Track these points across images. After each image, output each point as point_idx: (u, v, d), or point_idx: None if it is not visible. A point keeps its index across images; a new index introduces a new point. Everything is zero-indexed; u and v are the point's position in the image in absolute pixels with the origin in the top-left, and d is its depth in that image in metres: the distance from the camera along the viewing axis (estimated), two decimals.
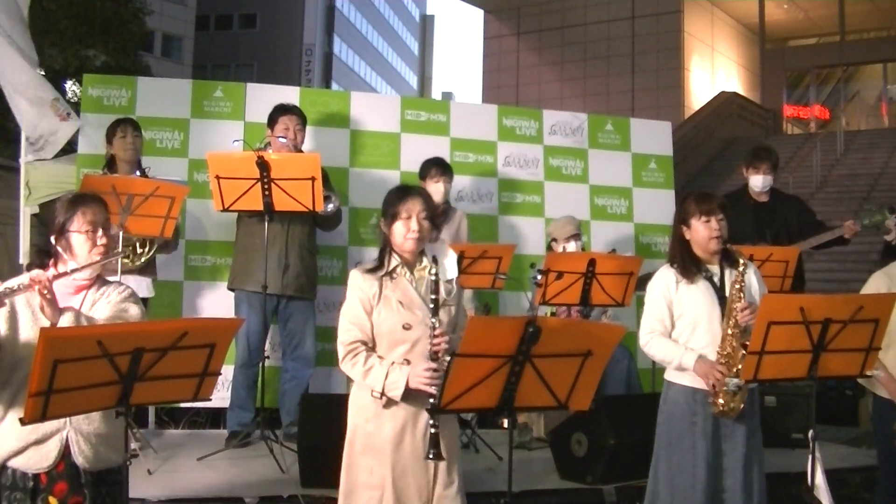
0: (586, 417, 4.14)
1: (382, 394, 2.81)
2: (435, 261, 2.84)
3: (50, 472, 2.53)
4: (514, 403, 2.63)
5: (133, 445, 3.04)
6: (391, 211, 2.95)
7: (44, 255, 2.70)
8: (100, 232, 2.67)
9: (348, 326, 2.89)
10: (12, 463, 2.52)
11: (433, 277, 2.81)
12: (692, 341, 3.31)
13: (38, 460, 2.51)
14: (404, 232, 2.92)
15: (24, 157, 5.43)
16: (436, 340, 2.76)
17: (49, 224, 2.73)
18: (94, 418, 2.58)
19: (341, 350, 2.88)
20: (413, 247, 2.94)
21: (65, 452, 2.54)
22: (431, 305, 2.79)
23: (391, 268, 2.94)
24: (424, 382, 2.75)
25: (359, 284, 2.91)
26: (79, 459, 2.56)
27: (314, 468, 3.91)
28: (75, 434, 2.56)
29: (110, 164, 4.80)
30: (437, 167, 5.18)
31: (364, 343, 2.87)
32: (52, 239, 2.67)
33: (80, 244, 2.65)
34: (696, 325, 3.31)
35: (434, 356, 2.77)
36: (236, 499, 3.84)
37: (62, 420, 2.50)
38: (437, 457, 2.76)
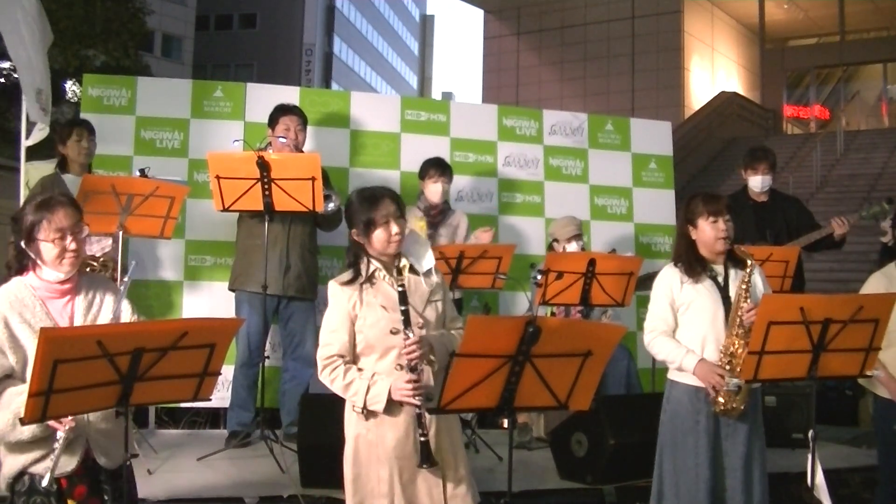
0: (586, 417, 4.15)
1: (364, 408, 2.79)
2: (399, 271, 2.81)
3: (70, 475, 2.52)
4: (514, 403, 2.63)
5: None
6: (365, 219, 2.87)
7: (23, 255, 2.59)
8: (68, 238, 2.55)
9: (326, 340, 2.86)
10: (33, 469, 2.50)
11: (400, 289, 2.78)
12: (694, 341, 3.31)
13: (62, 464, 2.49)
14: (386, 237, 2.87)
15: (24, 155, 5.42)
16: (406, 350, 2.75)
17: (20, 226, 2.58)
18: (107, 417, 2.56)
19: (319, 364, 2.86)
20: (397, 249, 2.90)
21: (84, 455, 2.54)
22: (402, 317, 2.76)
23: (370, 272, 2.90)
24: (406, 394, 2.74)
25: (338, 295, 2.87)
26: (101, 459, 2.56)
27: (314, 468, 3.91)
28: (96, 434, 2.56)
29: (62, 164, 4.74)
30: (436, 167, 5.17)
31: (341, 356, 2.84)
32: (23, 243, 2.56)
33: (49, 252, 2.55)
34: (700, 324, 3.31)
35: (412, 366, 2.75)
36: (236, 499, 3.84)
37: (82, 423, 2.49)
38: (431, 464, 2.76)
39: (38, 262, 2.57)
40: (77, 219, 2.60)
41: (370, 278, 2.89)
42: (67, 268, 2.58)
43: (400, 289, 2.79)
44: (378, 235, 2.87)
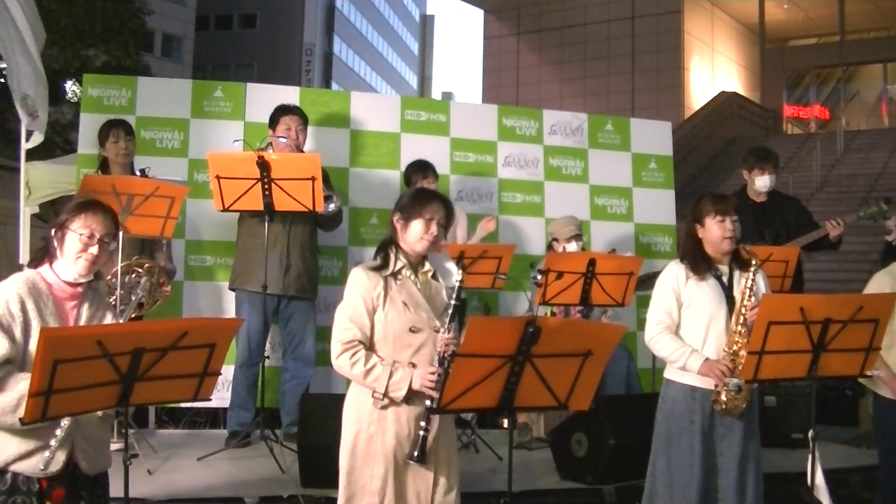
0: (586, 417, 4.15)
1: (385, 395, 2.79)
2: (462, 267, 2.89)
3: (50, 477, 2.51)
4: (514, 403, 2.63)
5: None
6: (414, 209, 2.92)
7: (43, 253, 2.64)
8: (95, 244, 2.59)
9: (347, 325, 2.85)
10: (15, 467, 2.49)
11: (458, 283, 2.83)
12: (697, 338, 3.31)
13: (47, 464, 2.47)
14: (422, 232, 2.90)
15: (24, 155, 5.43)
16: (443, 342, 2.77)
17: (51, 219, 2.65)
18: (93, 423, 2.58)
19: (337, 348, 2.83)
20: (425, 249, 2.93)
21: (68, 458, 2.53)
22: (451, 311, 2.82)
23: (397, 268, 2.91)
24: (429, 385, 2.75)
25: (363, 282, 2.87)
26: (83, 464, 2.56)
27: (314, 468, 3.91)
28: (81, 439, 2.55)
29: (104, 166, 4.79)
30: (418, 171, 5.17)
31: (362, 343, 2.84)
32: (52, 231, 2.61)
33: (71, 245, 2.58)
34: (702, 322, 3.31)
35: (441, 360, 2.77)
36: (236, 499, 3.84)
37: (70, 425, 2.48)
38: (421, 459, 2.77)
39: (59, 254, 2.59)
40: (109, 230, 2.64)
41: (396, 274, 2.90)
42: (82, 269, 2.59)
43: (457, 282, 2.84)
44: (415, 226, 2.91)
